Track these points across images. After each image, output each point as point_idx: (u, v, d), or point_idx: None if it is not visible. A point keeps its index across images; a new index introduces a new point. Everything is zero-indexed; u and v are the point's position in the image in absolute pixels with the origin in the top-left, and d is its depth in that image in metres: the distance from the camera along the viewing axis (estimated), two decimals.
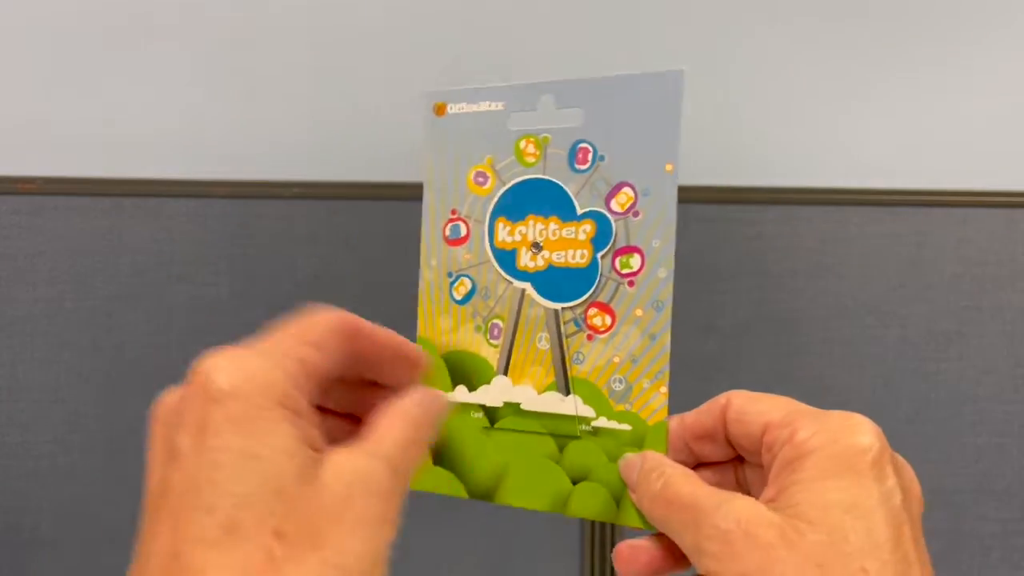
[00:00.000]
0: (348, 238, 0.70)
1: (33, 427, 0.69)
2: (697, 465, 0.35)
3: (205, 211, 0.69)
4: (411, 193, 0.70)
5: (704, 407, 0.34)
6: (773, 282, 0.71)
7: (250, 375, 0.28)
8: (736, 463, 0.35)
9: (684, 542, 0.30)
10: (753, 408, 0.32)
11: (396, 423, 0.31)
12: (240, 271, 0.69)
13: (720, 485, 0.33)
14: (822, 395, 0.71)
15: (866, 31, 0.77)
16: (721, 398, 0.34)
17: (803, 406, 0.32)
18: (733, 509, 0.29)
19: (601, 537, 0.70)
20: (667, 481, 0.32)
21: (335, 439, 0.31)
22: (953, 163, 0.77)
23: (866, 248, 0.71)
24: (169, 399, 0.30)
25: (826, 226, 0.71)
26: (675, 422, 0.35)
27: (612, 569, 0.72)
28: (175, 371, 0.74)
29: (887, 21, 0.77)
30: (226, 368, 0.28)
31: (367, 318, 0.37)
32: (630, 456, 0.34)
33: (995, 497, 0.72)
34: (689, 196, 0.71)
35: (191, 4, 0.74)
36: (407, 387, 0.33)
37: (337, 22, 0.75)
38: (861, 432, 0.30)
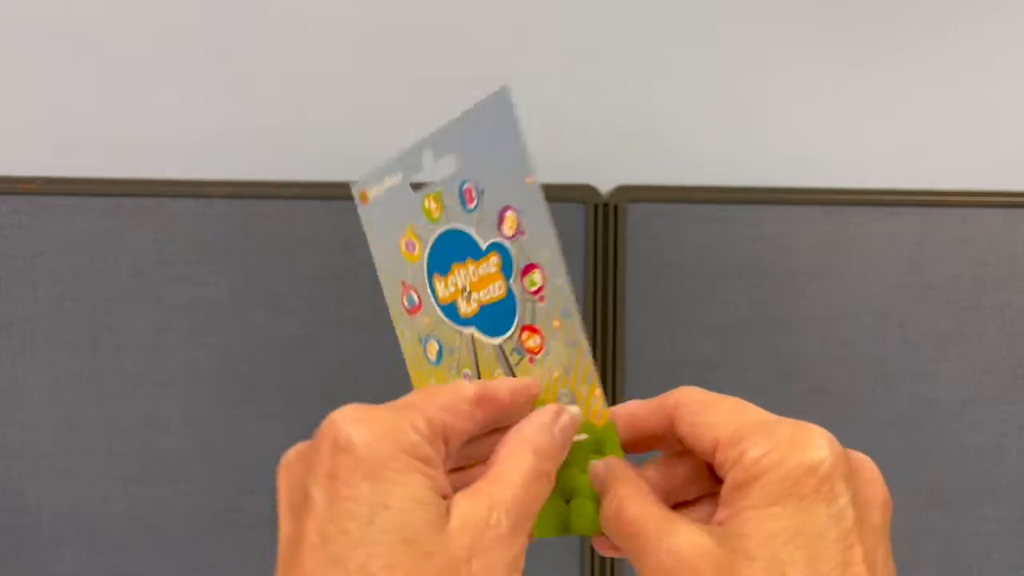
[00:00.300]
0: (348, 238, 0.70)
1: (33, 427, 0.69)
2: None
3: (205, 211, 0.69)
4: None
5: (654, 404, 0.33)
6: (773, 282, 0.71)
7: (377, 425, 0.28)
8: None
9: (636, 566, 0.30)
10: (703, 420, 0.31)
11: (519, 456, 0.31)
12: (240, 271, 0.69)
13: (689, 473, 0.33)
14: (822, 395, 0.71)
15: (866, 31, 0.77)
16: (669, 399, 0.33)
17: (753, 416, 0.31)
18: (675, 543, 0.29)
19: None
20: (619, 505, 0.31)
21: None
22: (953, 163, 0.77)
23: (866, 248, 0.71)
24: (297, 449, 0.30)
25: (826, 226, 0.71)
26: (625, 421, 0.34)
27: (613, 568, 0.72)
28: (175, 371, 0.74)
29: (887, 21, 0.77)
30: (354, 418, 0.28)
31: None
32: (595, 465, 0.34)
33: (995, 497, 0.72)
34: (689, 196, 0.71)
35: (191, 5, 0.74)
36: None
37: (337, 22, 0.75)
38: (810, 448, 0.29)
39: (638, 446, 0.34)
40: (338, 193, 0.70)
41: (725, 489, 0.29)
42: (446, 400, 0.31)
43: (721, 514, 0.29)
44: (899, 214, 0.72)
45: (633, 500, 0.31)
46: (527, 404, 0.33)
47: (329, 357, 0.69)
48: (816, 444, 0.29)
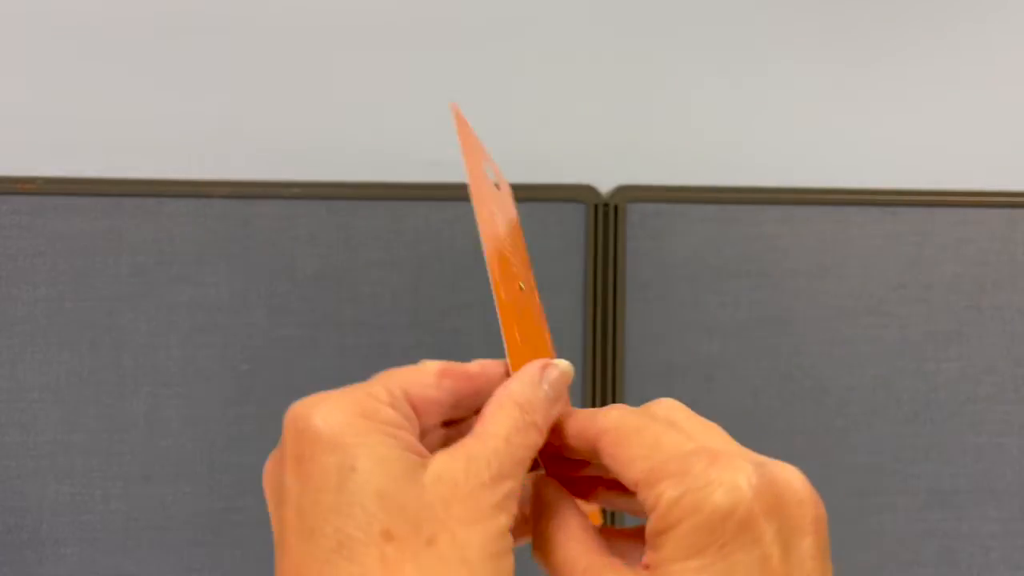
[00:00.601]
0: (348, 238, 0.70)
1: (33, 427, 0.69)
2: None
3: (205, 211, 0.69)
4: (411, 193, 0.70)
5: (579, 431, 0.32)
6: (773, 282, 0.71)
7: (333, 402, 0.28)
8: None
9: None
10: (623, 453, 0.30)
11: (500, 410, 0.30)
12: (240, 271, 0.69)
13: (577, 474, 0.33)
14: (822, 395, 0.71)
15: (866, 31, 0.77)
16: (591, 428, 0.32)
17: (671, 448, 0.29)
18: None
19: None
20: (552, 544, 0.31)
21: None
22: (953, 163, 0.77)
23: (866, 248, 0.71)
24: (271, 455, 0.30)
25: (826, 226, 0.71)
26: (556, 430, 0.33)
27: None
28: (175, 371, 0.74)
29: (887, 21, 0.77)
30: (311, 403, 0.29)
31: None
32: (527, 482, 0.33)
33: (995, 497, 0.72)
34: (689, 196, 0.71)
35: (191, 4, 0.74)
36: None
37: (337, 22, 0.75)
38: (726, 487, 0.27)
39: (565, 466, 0.34)
40: (338, 193, 0.70)
41: (648, 533, 0.28)
42: (406, 373, 0.31)
43: (648, 558, 0.28)
44: (899, 214, 0.72)
45: (565, 540, 0.30)
46: (500, 376, 0.33)
47: (329, 357, 0.69)
48: (732, 482, 0.27)
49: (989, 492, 0.72)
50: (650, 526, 0.28)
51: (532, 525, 0.32)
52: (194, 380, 0.69)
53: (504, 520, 0.28)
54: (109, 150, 0.73)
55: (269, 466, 0.30)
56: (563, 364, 0.33)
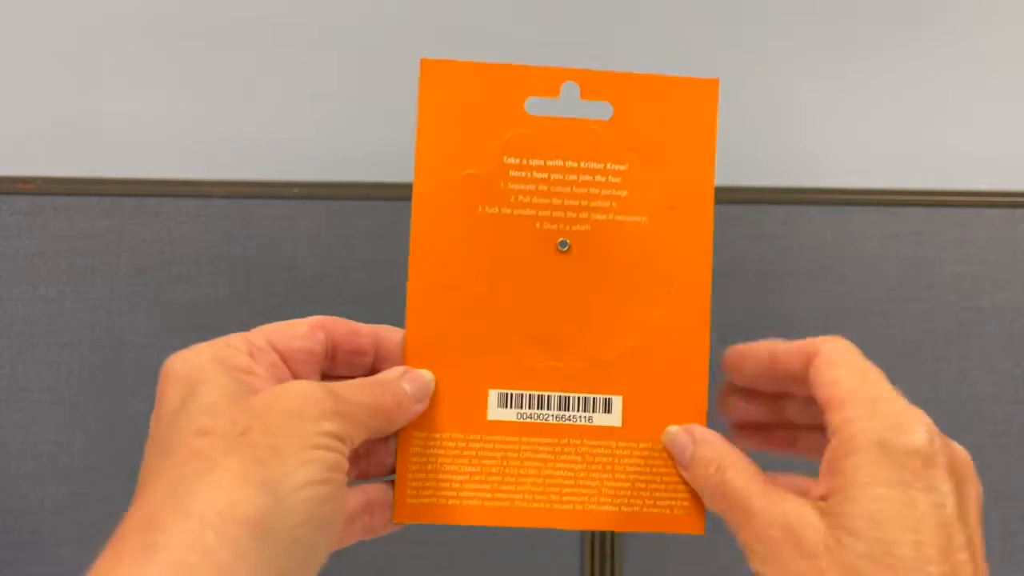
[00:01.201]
0: (348, 238, 0.70)
1: (33, 427, 0.69)
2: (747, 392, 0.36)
3: (205, 211, 0.69)
4: (411, 193, 0.70)
5: (796, 345, 0.34)
6: (773, 282, 0.71)
7: (195, 350, 0.31)
8: (785, 396, 0.35)
9: (737, 536, 0.31)
10: (829, 374, 0.32)
11: (359, 381, 0.32)
12: (240, 271, 0.69)
13: (767, 418, 0.34)
14: None
15: (866, 31, 0.77)
16: (814, 343, 0.34)
17: (873, 387, 0.31)
18: (781, 514, 0.29)
19: (601, 537, 0.70)
20: (722, 476, 0.32)
21: None
22: (953, 163, 0.77)
23: (866, 248, 0.71)
24: None
25: (826, 226, 0.71)
26: (765, 355, 0.35)
27: (613, 569, 0.72)
28: None
29: (887, 21, 0.77)
30: (177, 353, 0.32)
31: (368, 319, 0.37)
32: (675, 433, 0.34)
33: (995, 497, 0.72)
34: None
35: (191, 4, 0.74)
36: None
37: (337, 22, 0.75)
38: (913, 430, 0.29)
39: (768, 384, 0.35)
40: (338, 193, 0.70)
41: (826, 460, 0.30)
42: (277, 325, 0.34)
43: (821, 487, 0.30)
44: (899, 214, 0.72)
45: (737, 471, 0.32)
46: (394, 341, 0.35)
47: None
48: (918, 428, 0.29)
49: (989, 492, 0.71)
50: (831, 450, 0.30)
51: (693, 466, 0.33)
52: None
53: (326, 427, 0.29)
54: (109, 150, 0.73)
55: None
56: (425, 376, 0.35)
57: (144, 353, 0.69)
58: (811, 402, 0.33)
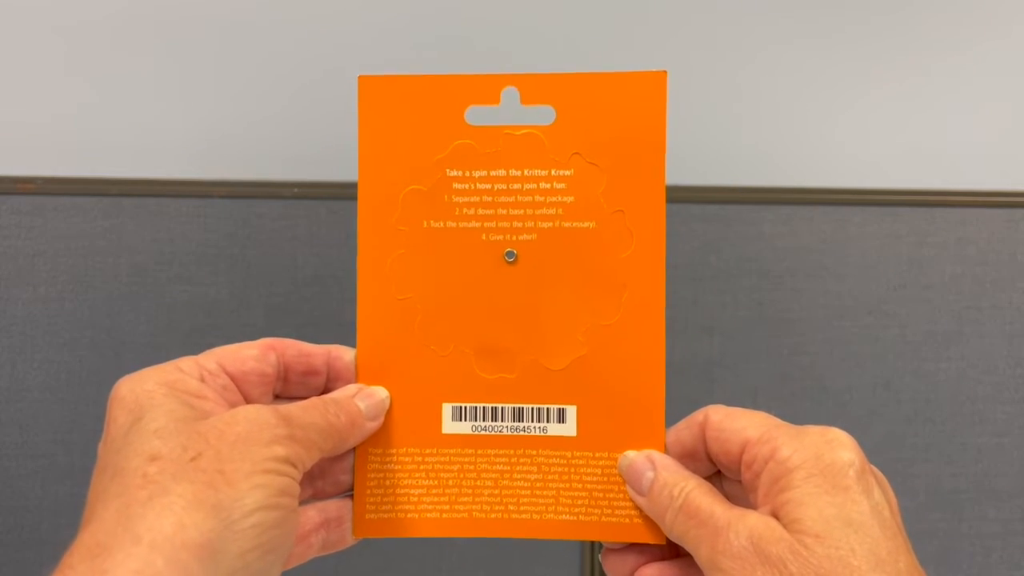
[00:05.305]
0: (348, 238, 0.70)
1: (33, 427, 0.69)
2: None
3: (205, 211, 0.69)
4: None
5: (683, 424, 0.35)
6: (773, 282, 0.71)
7: (142, 376, 0.31)
8: (716, 477, 0.35)
9: (699, 555, 0.31)
10: (731, 425, 0.33)
11: (312, 401, 0.32)
12: (240, 271, 0.69)
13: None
14: (822, 395, 0.71)
15: (867, 31, 0.77)
16: (699, 415, 0.34)
17: (779, 422, 0.33)
18: (746, 526, 0.30)
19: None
20: (685, 497, 0.32)
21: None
22: (953, 163, 0.77)
23: (866, 248, 0.71)
24: None
25: (826, 226, 0.71)
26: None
27: None
28: None
29: (887, 21, 0.77)
30: (128, 376, 0.31)
31: None
32: (632, 457, 0.34)
33: (995, 497, 0.72)
34: (689, 196, 0.71)
35: (191, 4, 0.74)
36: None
37: (338, 21, 0.75)
38: (841, 447, 0.31)
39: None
40: (338, 193, 0.70)
41: (763, 485, 0.31)
42: (228, 348, 0.34)
43: (765, 511, 0.31)
44: (899, 214, 0.72)
45: (701, 491, 0.32)
46: (344, 361, 0.35)
47: None
48: (845, 445, 0.31)
49: (989, 492, 0.72)
50: (766, 477, 0.31)
51: (659, 501, 0.33)
52: None
53: (278, 451, 0.29)
54: (109, 150, 0.73)
55: None
56: (380, 394, 0.35)
57: (144, 353, 0.69)
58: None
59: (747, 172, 0.75)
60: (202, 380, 0.31)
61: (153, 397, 0.30)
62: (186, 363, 0.32)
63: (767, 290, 0.71)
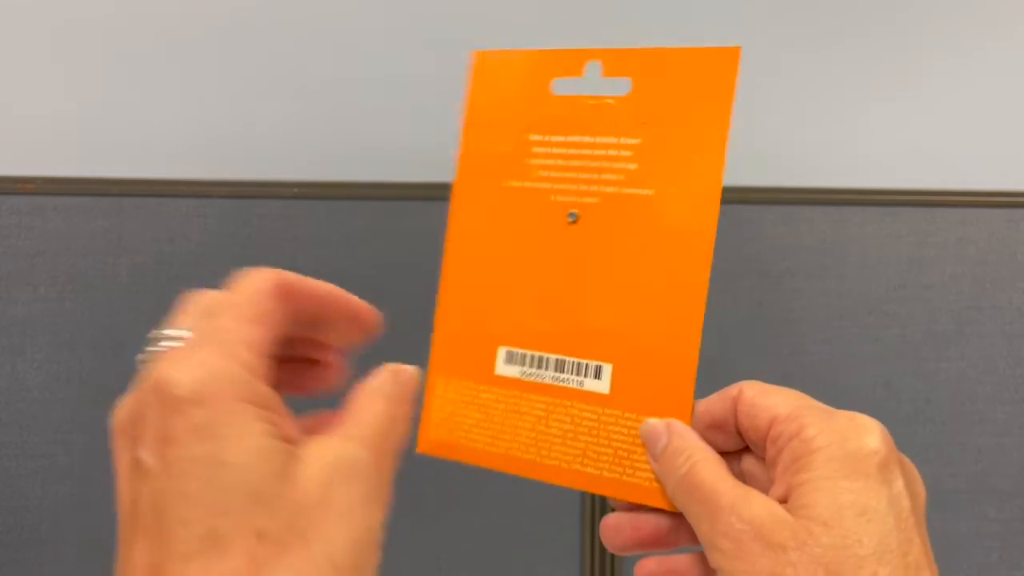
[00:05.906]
0: (348, 238, 0.70)
1: (33, 427, 0.69)
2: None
3: (205, 211, 0.69)
4: (411, 193, 0.70)
5: (716, 396, 0.34)
6: (773, 282, 0.71)
7: (207, 376, 0.26)
8: (739, 454, 0.35)
9: (699, 531, 0.31)
10: (763, 401, 0.33)
11: (371, 401, 0.31)
12: (240, 271, 0.69)
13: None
14: (822, 395, 0.71)
15: (867, 31, 0.77)
16: (733, 388, 0.34)
17: (812, 402, 0.33)
18: (749, 509, 0.29)
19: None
20: (691, 468, 0.32)
21: (294, 385, 0.32)
22: (953, 163, 0.77)
23: (866, 248, 0.71)
24: (127, 408, 0.28)
25: (826, 226, 0.71)
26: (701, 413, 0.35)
27: (613, 568, 0.72)
28: None
29: (887, 21, 0.77)
30: (181, 372, 0.26)
31: None
32: (653, 424, 0.34)
33: (995, 497, 0.72)
34: None
35: (191, 4, 0.74)
36: (375, 369, 0.33)
37: (338, 21, 0.75)
38: (868, 434, 0.30)
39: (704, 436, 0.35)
40: (338, 193, 0.70)
41: (783, 462, 0.30)
42: (257, 307, 0.32)
43: (779, 489, 0.30)
44: (899, 214, 0.72)
45: (706, 465, 0.32)
46: (351, 320, 0.34)
47: None
48: (872, 432, 0.30)
49: (989, 492, 0.72)
50: (787, 455, 0.30)
51: (663, 458, 0.33)
52: None
53: (377, 516, 0.28)
54: (109, 150, 0.73)
55: (124, 423, 0.28)
56: (411, 369, 0.34)
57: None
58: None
59: (747, 172, 0.75)
60: (265, 377, 0.28)
61: (231, 423, 0.26)
62: (242, 351, 0.28)
63: (767, 290, 0.71)
